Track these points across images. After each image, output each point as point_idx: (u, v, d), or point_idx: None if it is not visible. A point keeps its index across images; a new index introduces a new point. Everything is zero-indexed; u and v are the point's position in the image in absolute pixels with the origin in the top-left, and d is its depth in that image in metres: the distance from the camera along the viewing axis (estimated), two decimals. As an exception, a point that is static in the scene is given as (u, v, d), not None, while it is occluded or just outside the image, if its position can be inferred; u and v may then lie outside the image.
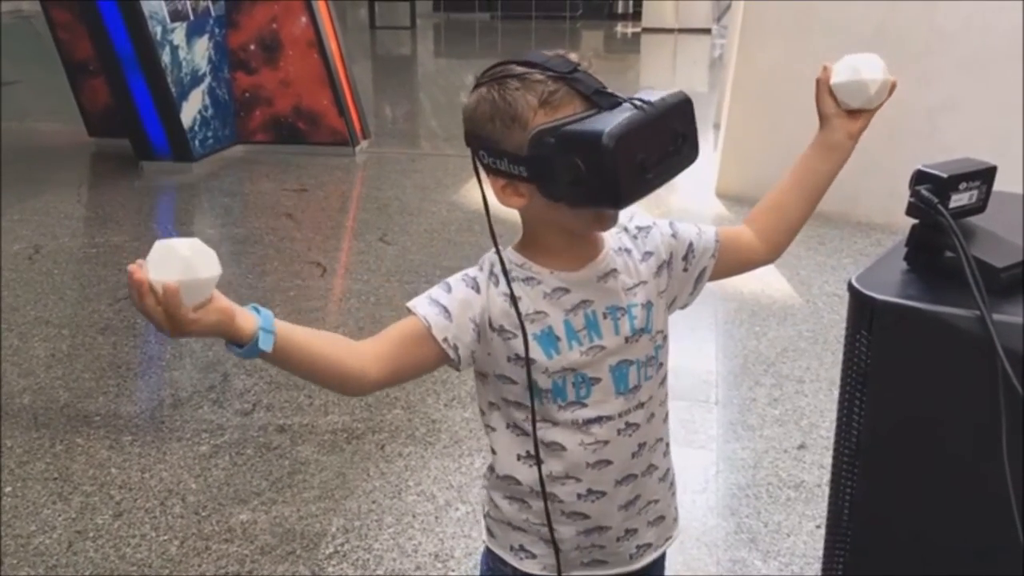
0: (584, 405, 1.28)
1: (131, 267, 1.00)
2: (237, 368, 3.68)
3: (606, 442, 1.30)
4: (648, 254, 1.32)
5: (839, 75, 1.33)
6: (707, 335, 3.99)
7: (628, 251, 1.31)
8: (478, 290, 1.26)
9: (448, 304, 1.24)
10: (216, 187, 6.51)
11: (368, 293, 4.47)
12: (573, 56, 1.19)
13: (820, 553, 2.56)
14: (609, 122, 1.07)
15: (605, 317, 1.26)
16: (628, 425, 1.31)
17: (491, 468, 1.39)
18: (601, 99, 1.12)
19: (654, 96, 1.13)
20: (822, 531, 2.70)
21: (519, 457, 1.32)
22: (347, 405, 3.39)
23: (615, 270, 1.28)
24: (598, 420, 1.29)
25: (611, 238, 1.31)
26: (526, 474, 1.32)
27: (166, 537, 2.65)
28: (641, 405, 1.31)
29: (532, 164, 1.14)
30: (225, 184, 6.58)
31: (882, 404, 1.05)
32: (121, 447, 3.12)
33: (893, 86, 1.30)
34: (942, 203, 1.05)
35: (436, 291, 1.27)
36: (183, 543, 2.62)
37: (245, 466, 3.01)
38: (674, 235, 1.34)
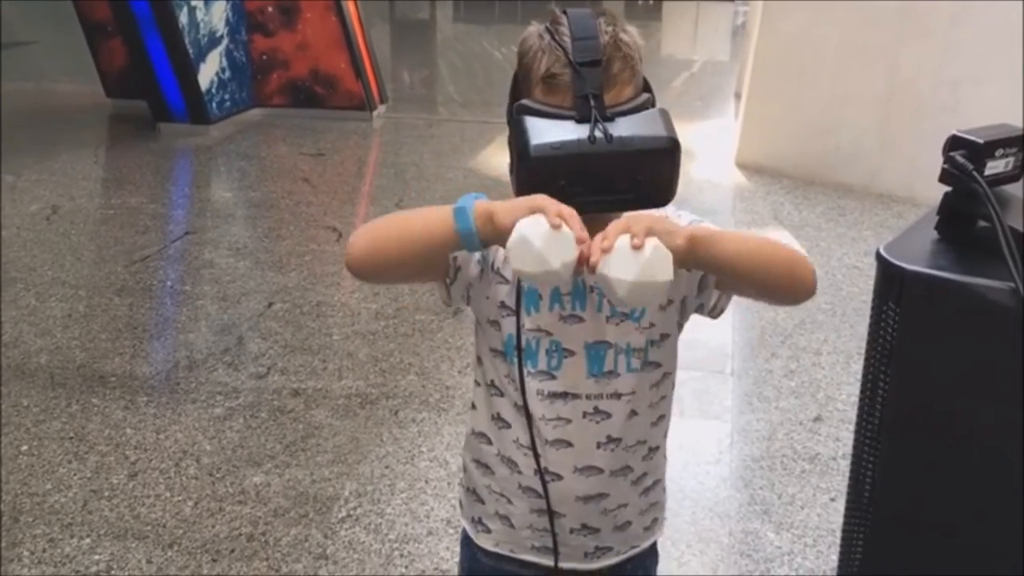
0: (553, 377, 1.26)
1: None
2: (252, 331, 3.68)
3: (569, 420, 1.27)
4: None
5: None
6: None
7: None
8: None
9: None
10: (233, 150, 6.49)
11: (383, 259, 4.45)
12: (625, 37, 1.17)
13: (834, 526, 2.56)
14: (550, 137, 1.10)
15: (592, 290, 1.24)
16: (597, 411, 1.27)
17: (471, 429, 1.39)
18: (582, 107, 1.11)
19: (636, 129, 1.10)
20: (836, 504, 2.70)
21: (492, 418, 1.32)
22: (361, 370, 3.39)
23: None
24: (564, 396, 1.26)
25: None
26: (496, 436, 1.33)
27: (180, 498, 2.66)
28: (618, 395, 1.27)
29: (509, 124, 1.18)
30: (242, 147, 6.57)
31: (909, 378, 1.03)
32: (136, 408, 3.13)
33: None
34: (977, 170, 1.01)
35: None
36: (197, 504, 2.64)
37: (259, 429, 3.01)
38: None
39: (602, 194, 1.12)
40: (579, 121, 1.11)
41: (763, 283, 1.20)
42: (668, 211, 1.25)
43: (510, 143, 1.17)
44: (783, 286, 1.21)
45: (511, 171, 1.17)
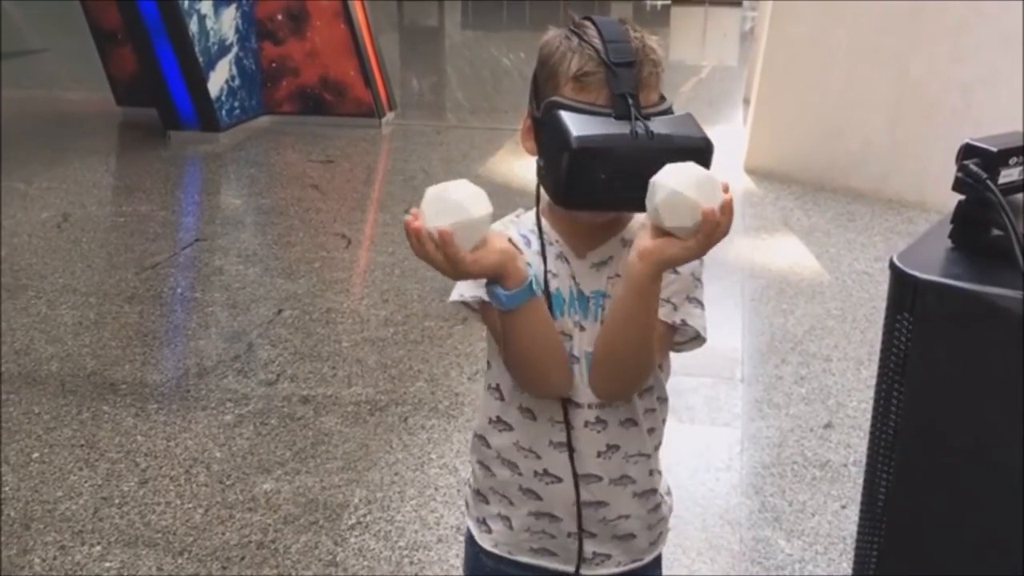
0: None
1: (407, 218, 1.12)
2: (262, 338, 3.68)
3: (571, 427, 1.29)
4: None
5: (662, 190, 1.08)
6: (734, 312, 3.95)
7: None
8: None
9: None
10: (242, 157, 6.51)
11: (393, 265, 4.46)
12: (651, 43, 1.19)
13: (845, 533, 2.55)
14: (591, 130, 1.10)
15: (589, 300, 1.27)
16: (598, 420, 1.28)
17: (474, 432, 1.40)
18: (619, 104, 1.12)
19: (673, 128, 1.12)
20: (847, 511, 2.68)
21: (490, 420, 1.34)
22: (371, 377, 3.39)
23: (612, 258, 1.26)
24: (567, 402, 1.28)
25: (636, 228, 1.25)
26: (495, 438, 1.34)
27: (191, 505, 2.67)
28: (615, 405, 1.28)
29: (538, 124, 1.18)
30: (251, 155, 6.59)
31: (923, 389, 1.02)
32: (147, 415, 3.14)
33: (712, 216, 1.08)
34: (991, 178, 1.01)
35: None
36: (207, 511, 2.64)
37: (269, 436, 3.02)
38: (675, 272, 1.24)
39: (637, 191, 1.10)
40: (617, 118, 1.11)
41: (611, 351, 1.21)
42: None
43: (543, 142, 1.16)
44: (613, 368, 1.23)
45: (543, 171, 1.16)
